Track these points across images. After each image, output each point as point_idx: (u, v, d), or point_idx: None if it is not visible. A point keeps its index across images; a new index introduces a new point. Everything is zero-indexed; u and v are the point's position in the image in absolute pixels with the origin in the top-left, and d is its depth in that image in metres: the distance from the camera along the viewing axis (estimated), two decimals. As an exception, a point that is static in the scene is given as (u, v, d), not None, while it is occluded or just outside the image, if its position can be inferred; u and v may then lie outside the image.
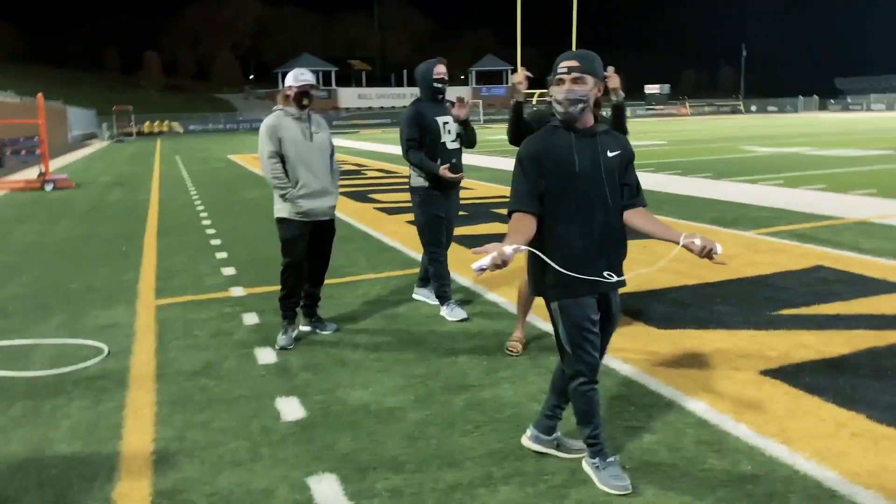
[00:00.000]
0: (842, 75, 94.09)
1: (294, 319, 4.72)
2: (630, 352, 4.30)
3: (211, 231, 9.33)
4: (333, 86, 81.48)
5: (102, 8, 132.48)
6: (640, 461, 3.00)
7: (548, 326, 4.67)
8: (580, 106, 2.63)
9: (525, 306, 4.46)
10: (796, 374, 3.87)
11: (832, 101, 76.97)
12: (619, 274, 2.75)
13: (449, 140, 5.00)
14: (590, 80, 2.64)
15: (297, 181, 4.50)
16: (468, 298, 5.61)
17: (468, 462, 3.05)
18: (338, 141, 36.84)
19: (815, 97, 77.11)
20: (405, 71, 78.98)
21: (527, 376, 3.98)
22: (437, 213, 5.05)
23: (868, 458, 2.96)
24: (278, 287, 4.79)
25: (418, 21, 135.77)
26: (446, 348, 4.49)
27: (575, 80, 2.61)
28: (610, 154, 2.69)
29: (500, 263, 2.28)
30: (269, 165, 4.48)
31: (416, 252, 7.38)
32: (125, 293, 6.14)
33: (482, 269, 2.26)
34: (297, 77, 4.47)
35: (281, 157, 4.48)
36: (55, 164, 23.00)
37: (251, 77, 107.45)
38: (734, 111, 75.23)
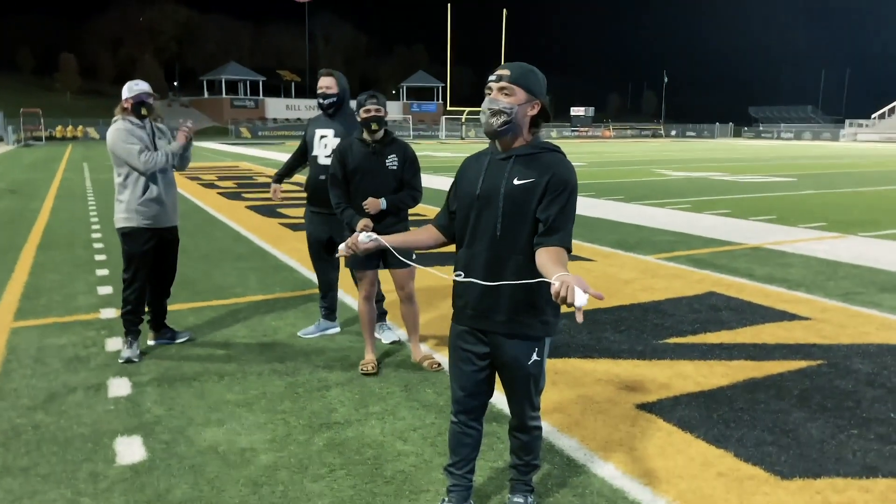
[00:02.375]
0: (755, 104, 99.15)
1: (138, 334, 4.63)
2: (510, 383, 4.13)
3: (99, 245, 8.74)
4: (261, 96, 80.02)
5: (16, 5, 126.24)
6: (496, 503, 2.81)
7: (401, 345, 4.48)
8: (502, 119, 2.35)
9: (371, 326, 4.44)
10: (672, 408, 3.79)
11: (746, 128, 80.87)
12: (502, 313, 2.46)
13: (322, 154, 4.78)
14: (520, 93, 2.36)
15: (144, 189, 4.51)
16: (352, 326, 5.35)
17: (312, 512, 2.78)
18: (260, 152, 35.97)
19: (731, 124, 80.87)
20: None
21: (398, 411, 3.75)
22: (310, 231, 4.99)
23: (730, 500, 2.87)
24: (148, 307, 4.74)
25: (351, 35, 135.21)
26: (319, 379, 4.21)
27: (502, 90, 2.37)
28: (517, 182, 2.36)
29: (352, 247, 2.56)
30: (141, 157, 4.44)
31: (313, 272, 7.08)
32: (-21, 314, 5.58)
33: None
34: (132, 88, 4.48)
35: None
36: (-54, 167, 21.45)
37: (175, 83, 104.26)
38: (654, 135, 78.01)
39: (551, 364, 4.46)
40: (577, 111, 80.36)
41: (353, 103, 4.44)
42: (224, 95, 78.14)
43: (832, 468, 3.14)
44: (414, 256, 4.35)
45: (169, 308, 4.96)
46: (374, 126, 4.14)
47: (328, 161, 4.66)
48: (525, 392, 2.55)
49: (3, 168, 23.52)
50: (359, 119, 4.19)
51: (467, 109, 72.44)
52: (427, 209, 12.25)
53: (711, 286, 6.58)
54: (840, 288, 6.55)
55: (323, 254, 4.99)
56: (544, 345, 2.51)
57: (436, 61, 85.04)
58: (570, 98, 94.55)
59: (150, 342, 4.83)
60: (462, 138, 62.76)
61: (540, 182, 2.34)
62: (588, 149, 42.60)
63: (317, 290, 5.29)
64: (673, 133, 79.19)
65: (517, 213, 2.37)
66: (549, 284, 2.16)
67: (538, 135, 2.45)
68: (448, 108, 67.81)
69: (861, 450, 3.31)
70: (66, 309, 5.78)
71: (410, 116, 74.36)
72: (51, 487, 2.96)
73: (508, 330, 2.44)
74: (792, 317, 5.55)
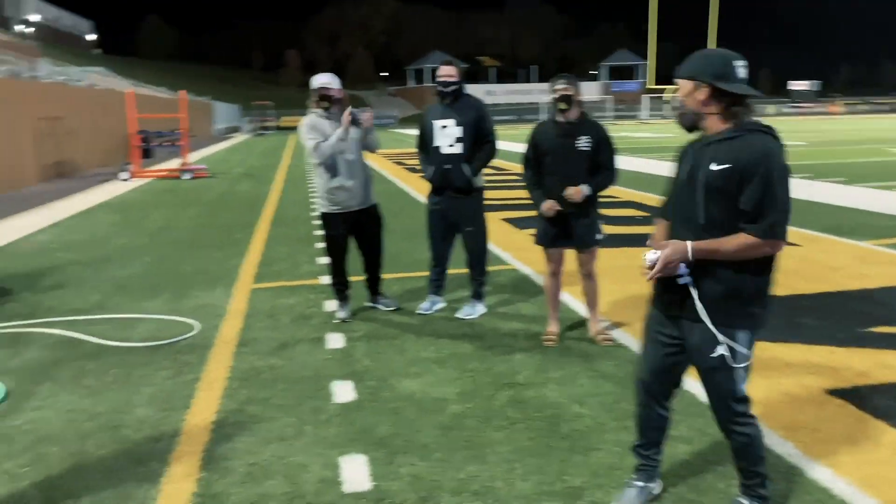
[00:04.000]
0: None
1: (346, 299, 5.25)
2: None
3: (317, 223, 9.84)
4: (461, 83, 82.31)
5: (249, 11, 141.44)
6: (672, 471, 2.95)
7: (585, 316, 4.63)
8: (677, 113, 2.45)
9: (555, 301, 4.65)
10: (868, 396, 3.62)
11: None
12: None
13: (445, 144, 4.95)
14: (685, 83, 2.40)
15: (329, 177, 4.99)
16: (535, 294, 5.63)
17: (493, 456, 3.12)
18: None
19: None
20: (536, 67, 78.65)
21: (576, 379, 3.97)
22: (432, 215, 5.20)
23: (921, 491, 2.75)
24: (363, 278, 5.38)
25: (550, 17, 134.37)
26: (505, 345, 4.55)
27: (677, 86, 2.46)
28: (714, 168, 2.32)
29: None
30: (312, 145, 4.93)
31: (505, 252, 7.47)
32: (227, 277, 6.65)
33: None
34: (313, 82, 4.96)
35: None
36: (200, 154, 25.01)
37: (384, 74, 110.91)
38: (894, 110, 68.75)
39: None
40: (797, 85, 73.25)
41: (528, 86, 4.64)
42: (426, 84, 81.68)
43: None
44: (600, 236, 4.52)
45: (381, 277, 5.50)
46: (562, 105, 4.30)
47: (451, 150, 4.92)
48: (715, 389, 2.46)
49: (242, 155, 26.83)
50: (551, 101, 4.38)
51: (674, 87, 69.03)
52: (620, 191, 12.14)
53: (937, 275, 5.95)
54: None
55: (446, 234, 5.20)
56: (739, 338, 2.37)
57: (638, 38, 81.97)
58: (790, 72, 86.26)
59: (367, 303, 5.44)
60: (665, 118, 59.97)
61: (736, 167, 2.27)
62: (810, 126, 38.83)
63: (504, 266, 5.61)
64: (917, 107, 69.23)
65: (719, 200, 2.32)
66: (751, 274, 2.31)
67: (742, 116, 2.34)
68: (648, 86, 65.01)
69: None
70: (292, 275, 6.69)
71: (611, 96, 72.51)
72: (283, 415, 3.59)
73: (697, 316, 2.40)
74: None
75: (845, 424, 3.33)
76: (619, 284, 5.96)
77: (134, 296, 6.02)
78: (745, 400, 2.47)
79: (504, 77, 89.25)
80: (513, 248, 7.62)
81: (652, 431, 2.73)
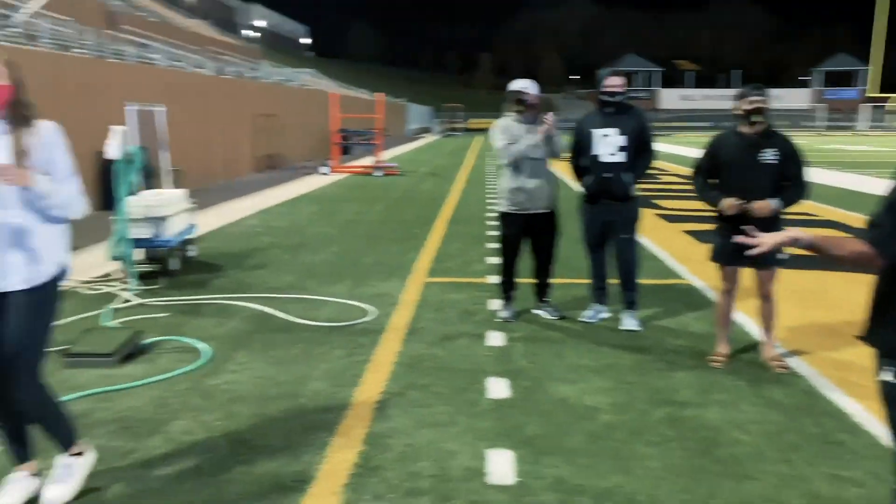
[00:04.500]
0: None
1: (510, 299, 5.38)
2: (869, 392, 3.79)
3: (492, 223, 10.10)
4: (656, 87, 79.57)
5: (444, 16, 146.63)
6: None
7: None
8: None
9: (725, 321, 4.45)
10: None
11: None
12: None
13: (606, 153, 4.92)
14: None
15: (511, 178, 5.13)
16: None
17: (641, 470, 3.09)
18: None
19: None
20: (739, 72, 73.82)
21: (740, 404, 3.78)
22: (589, 223, 5.20)
23: None
24: (530, 280, 5.46)
25: (757, 18, 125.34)
26: (667, 361, 4.43)
27: None
28: None
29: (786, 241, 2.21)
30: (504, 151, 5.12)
31: (682, 264, 7.21)
32: (404, 269, 7.07)
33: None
34: (510, 87, 5.09)
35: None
36: (392, 153, 26.52)
37: (574, 77, 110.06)
38: None
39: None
40: None
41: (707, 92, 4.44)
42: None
43: None
44: (783, 255, 4.24)
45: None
46: (755, 119, 4.11)
47: (612, 158, 4.89)
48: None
49: (429, 155, 28.04)
50: (740, 112, 4.18)
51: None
52: (820, 208, 11.16)
53: None
54: None
55: (603, 243, 5.20)
56: None
57: (859, 41, 73.95)
58: None
59: (532, 310, 5.49)
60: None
61: None
62: None
63: (678, 280, 5.44)
64: None
65: None
66: None
67: None
68: (870, 93, 58.43)
69: None
70: (463, 272, 6.96)
71: (823, 104, 66.24)
72: (440, 403, 3.80)
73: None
74: None
75: None
76: (801, 309, 5.55)
77: (321, 280, 6.61)
78: None
79: (702, 82, 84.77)
80: (690, 261, 7.32)
81: None
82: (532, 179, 5.08)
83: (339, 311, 5.55)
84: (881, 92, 56.64)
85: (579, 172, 5.15)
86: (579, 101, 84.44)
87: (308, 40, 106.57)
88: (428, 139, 44.22)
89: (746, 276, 4.46)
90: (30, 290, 2.66)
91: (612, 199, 4.99)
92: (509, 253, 5.32)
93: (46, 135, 2.70)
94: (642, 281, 5.39)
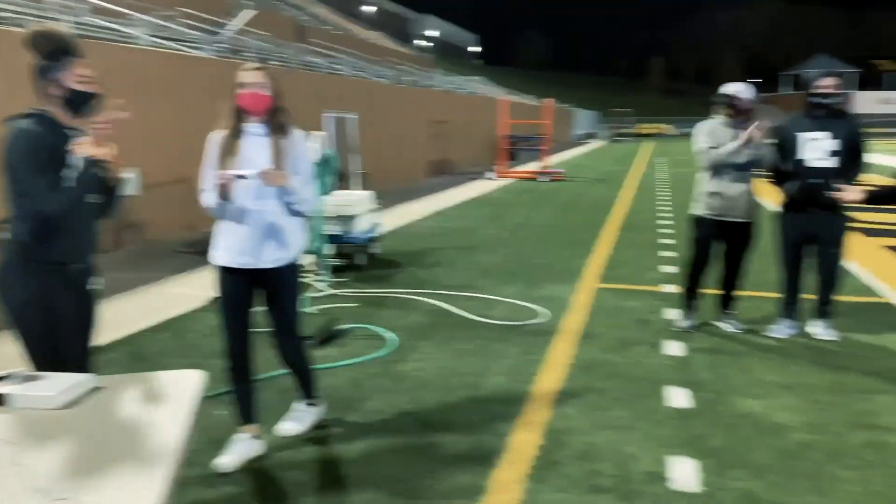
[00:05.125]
0: None
1: (693, 308, 5.21)
2: None
3: (665, 231, 9.82)
4: (851, 89, 72.63)
5: (614, 19, 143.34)
6: None
7: None
8: None
9: None
10: None
11: None
12: None
13: (813, 157, 4.64)
14: None
15: (710, 182, 4.98)
16: None
17: (838, 493, 2.93)
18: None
19: None
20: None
21: (956, 434, 3.45)
22: (789, 233, 4.94)
23: None
24: (715, 291, 5.28)
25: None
26: (866, 383, 4.12)
27: None
28: None
29: None
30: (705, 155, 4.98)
31: (883, 282, 6.64)
32: (574, 273, 7.10)
33: None
34: (724, 90, 5.00)
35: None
36: (558, 158, 26.47)
37: (754, 81, 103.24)
38: None
39: None
40: None
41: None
42: (795, 91, 73.79)
43: None
44: None
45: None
46: None
47: (822, 164, 4.60)
48: None
49: (596, 161, 27.64)
50: None
51: None
52: None
53: None
54: None
55: (802, 254, 4.88)
56: None
57: None
58: None
59: (715, 322, 5.28)
60: None
61: None
62: None
63: (878, 299, 5.03)
64: None
65: None
66: None
67: None
68: None
69: None
70: (636, 280, 6.86)
71: None
72: (618, 407, 3.81)
73: None
74: None
75: None
76: None
77: (494, 280, 6.81)
78: None
79: (907, 83, 76.09)
80: (891, 278, 6.70)
81: None
82: (733, 185, 4.87)
83: (512, 311, 5.70)
84: None
85: (780, 178, 4.91)
86: (761, 105, 79.03)
87: (478, 49, 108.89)
88: (594, 144, 43.52)
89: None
90: (280, 268, 3.15)
91: (818, 208, 4.70)
92: (699, 259, 5.12)
93: (298, 141, 3.14)
94: (838, 298, 5.04)
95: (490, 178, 18.62)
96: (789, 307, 5.07)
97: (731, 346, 4.85)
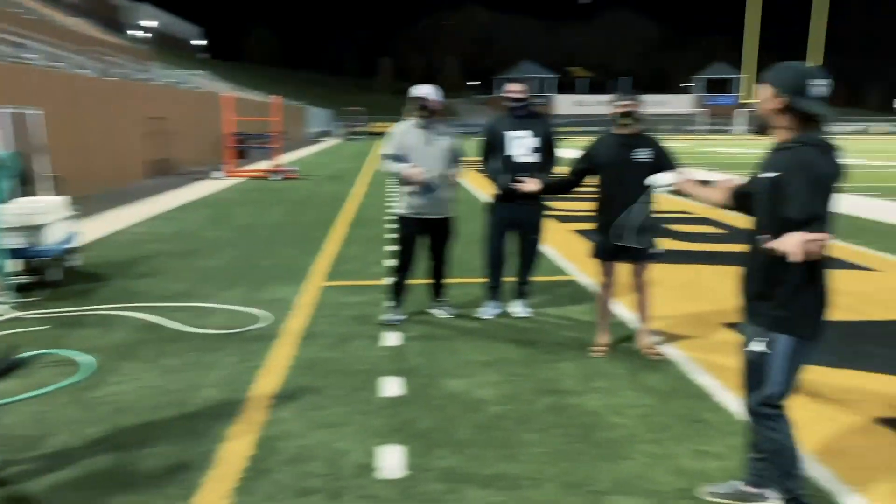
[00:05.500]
0: None
1: (399, 303, 5.44)
2: (733, 376, 4.14)
3: (393, 225, 10.16)
4: (551, 93, 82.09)
5: (347, 20, 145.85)
6: (676, 489, 3.00)
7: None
8: (754, 114, 2.67)
9: (605, 314, 4.72)
10: (919, 427, 3.52)
11: None
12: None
13: (519, 154, 5.19)
14: (765, 90, 2.55)
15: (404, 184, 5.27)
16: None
17: (525, 456, 3.25)
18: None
19: None
20: (629, 79, 77.33)
21: (618, 390, 4.04)
22: (499, 221, 5.38)
23: (956, 524, 2.69)
24: (427, 280, 5.57)
25: (645, 28, 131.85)
26: (553, 353, 4.65)
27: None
28: (764, 175, 2.53)
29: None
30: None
31: (570, 262, 7.54)
32: (300, 273, 7.03)
33: None
34: (412, 92, 5.23)
35: None
36: (292, 157, 26.07)
37: (473, 83, 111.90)
38: None
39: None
40: (908, 103, 68.75)
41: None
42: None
43: None
44: (655, 250, 4.58)
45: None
46: (623, 121, 4.44)
47: (526, 159, 5.17)
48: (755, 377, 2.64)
49: (330, 158, 27.78)
50: (613, 114, 4.49)
51: (769, 103, 66.22)
52: (697, 207, 11.91)
53: None
54: None
55: (507, 241, 5.44)
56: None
57: (737, 51, 79.13)
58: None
59: (429, 310, 5.60)
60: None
61: (778, 177, 2.44)
62: (917, 147, 36.49)
63: (565, 277, 5.71)
64: None
65: (767, 204, 2.51)
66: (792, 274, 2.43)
67: (806, 130, 2.46)
68: (743, 100, 62.78)
69: None
70: (360, 275, 7.00)
71: (705, 110, 70.44)
72: (334, 404, 3.84)
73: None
74: None
75: (888, 454, 3.26)
76: (676, 301, 5.94)
77: (215, 286, 6.47)
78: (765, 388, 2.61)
79: (595, 88, 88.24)
80: (577, 258, 7.68)
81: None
82: (426, 187, 5.15)
83: (231, 318, 5.46)
84: (753, 98, 60.84)
85: (491, 173, 5.32)
86: (480, 107, 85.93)
87: (203, 42, 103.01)
88: (329, 143, 43.75)
89: (624, 270, 4.74)
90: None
91: (522, 199, 5.15)
92: (405, 256, 5.39)
93: None
94: (534, 278, 5.63)
95: (218, 178, 17.74)
96: (494, 290, 5.55)
97: (443, 331, 5.16)
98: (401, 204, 5.32)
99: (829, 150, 2.44)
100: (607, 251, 4.58)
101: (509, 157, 5.22)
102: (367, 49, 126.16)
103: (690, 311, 5.65)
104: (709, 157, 25.90)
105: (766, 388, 2.59)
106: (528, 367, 4.41)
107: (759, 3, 42.06)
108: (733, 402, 3.82)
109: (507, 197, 5.26)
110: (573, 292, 6.33)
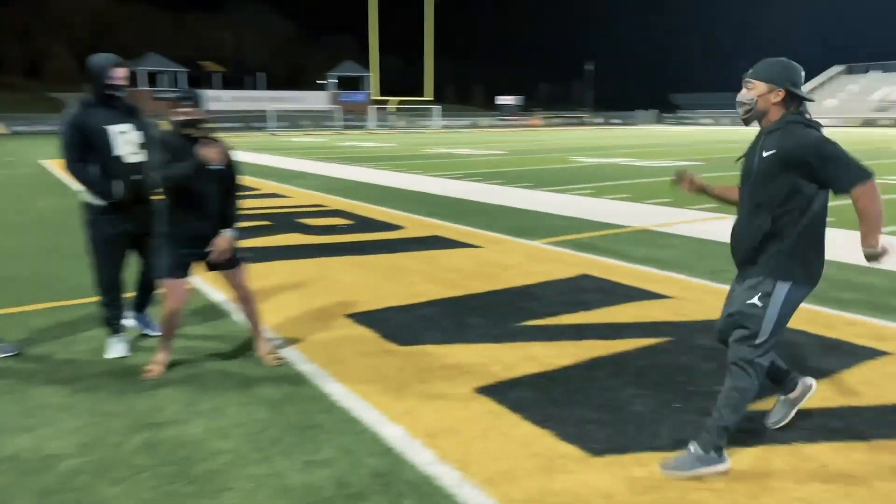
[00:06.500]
0: (677, 91, 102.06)
1: None
2: (350, 371, 4.07)
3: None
4: (180, 87, 77.43)
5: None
6: (303, 501, 2.74)
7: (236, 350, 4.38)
8: (743, 108, 2.87)
9: (172, 327, 4.17)
10: (509, 391, 3.80)
11: (667, 115, 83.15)
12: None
13: (129, 153, 4.32)
14: (760, 85, 2.81)
15: None
16: (214, 317, 5.19)
17: (101, 518, 2.65)
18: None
19: (655, 111, 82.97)
20: (263, 75, 76.64)
21: (227, 408, 3.63)
22: (113, 234, 4.38)
23: (535, 480, 2.88)
24: None
25: (276, 24, 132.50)
26: (155, 379, 4.04)
27: (747, 85, 2.86)
28: (764, 154, 2.80)
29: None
30: None
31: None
32: None
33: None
34: None
35: None
36: None
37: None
38: (582, 123, 79.35)
39: (403, 351, 4.42)
40: (504, 100, 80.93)
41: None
42: (142, 87, 75.36)
43: (644, 442, 3.20)
44: (244, 254, 4.30)
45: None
46: (188, 132, 4.04)
47: (137, 158, 4.31)
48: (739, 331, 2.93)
49: None
50: (175, 118, 4.01)
51: (398, 99, 72.01)
52: (327, 199, 12.07)
53: (586, 269, 6.68)
54: (707, 266, 6.76)
55: (126, 255, 4.54)
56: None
57: (364, 50, 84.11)
58: (498, 87, 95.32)
59: None
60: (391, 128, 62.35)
61: (778, 154, 2.74)
62: (512, 138, 42.96)
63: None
64: (599, 121, 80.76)
65: (758, 183, 2.84)
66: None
67: (793, 113, 2.81)
68: (374, 97, 67.37)
69: (678, 423, 3.40)
70: None
71: (340, 107, 73.41)
72: None
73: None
74: (654, 296, 5.69)
75: (484, 422, 3.43)
76: (300, 297, 5.76)
77: None
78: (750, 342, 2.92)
79: (230, 83, 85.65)
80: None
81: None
82: None
83: None
84: (381, 95, 65.79)
85: (91, 181, 4.26)
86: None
87: None
88: None
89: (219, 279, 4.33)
90: None
91: (141, 205, 4.35)
92: None
93: None
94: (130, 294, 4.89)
95: None
96: (115, 322, 4.54)
97: (12, 372, 4.16)
98: None
99: (811, 124, 2.78)
100: (183, 267, 4.11)
101: (118, 157, 4.26)
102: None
103: (315, 307, 5.49)
104: (347, 151, 26.81)
105: (757, 338, 2.84)
106: (119, 401, 3.73)
107: (376, 7, 44.97)
108: (349, 398, 3.70)
109: (118, 207, 4.32)
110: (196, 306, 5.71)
